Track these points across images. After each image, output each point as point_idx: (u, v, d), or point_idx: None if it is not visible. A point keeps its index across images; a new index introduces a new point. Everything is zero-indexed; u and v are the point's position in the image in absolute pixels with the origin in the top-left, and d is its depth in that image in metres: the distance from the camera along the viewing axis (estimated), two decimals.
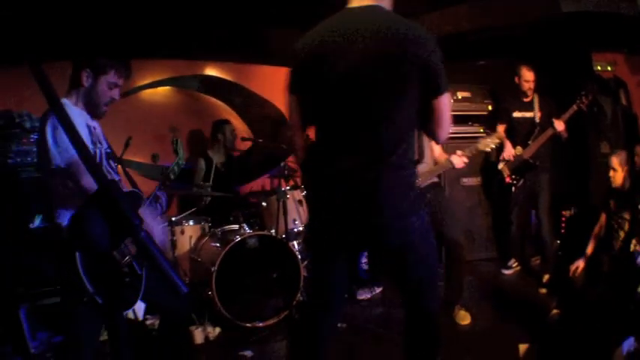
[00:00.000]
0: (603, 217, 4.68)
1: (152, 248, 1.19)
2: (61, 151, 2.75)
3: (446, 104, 2.48)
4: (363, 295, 5.63)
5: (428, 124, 2.55)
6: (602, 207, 4.72)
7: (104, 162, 3.09)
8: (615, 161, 4.52)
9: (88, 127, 3.00)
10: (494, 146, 4.86)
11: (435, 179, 5.07)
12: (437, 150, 5.16)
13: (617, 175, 4.51)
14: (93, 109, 3.06)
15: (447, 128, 2.56)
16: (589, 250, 4.64)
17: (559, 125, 5.52)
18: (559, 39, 6.37)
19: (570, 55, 6.64)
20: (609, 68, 6.48)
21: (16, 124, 4.66)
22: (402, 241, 2.54)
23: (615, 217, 4.45)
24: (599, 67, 6.47)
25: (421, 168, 4.92)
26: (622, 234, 4.29)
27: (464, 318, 4.81)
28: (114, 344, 3.26)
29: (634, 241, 3.97)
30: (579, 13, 5.30)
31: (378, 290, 5.73)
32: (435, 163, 5.08)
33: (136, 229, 1.20)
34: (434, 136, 2.64)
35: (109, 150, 3.19)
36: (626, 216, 4.32)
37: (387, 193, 2.44)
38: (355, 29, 2.40)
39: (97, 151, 3.05)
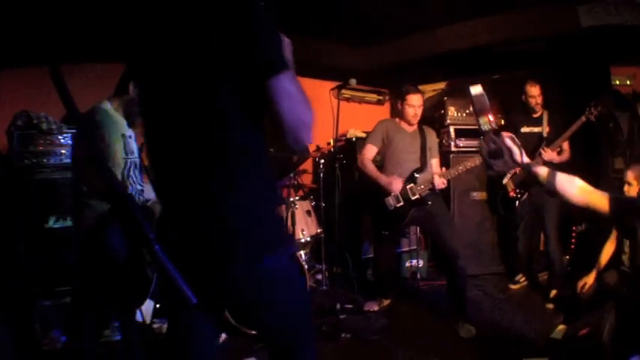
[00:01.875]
0: (615, 233, 4.64)
1: (165, 261, 1.26)
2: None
3: (285, 89, 1.83)
4: (370, 307, 5.65)
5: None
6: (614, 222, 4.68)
7: (131, 171, 3.17)
8: (631, 175, 4.44)
9: (123, 135, 3.09)
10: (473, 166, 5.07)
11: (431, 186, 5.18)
12: (435, 167, 5.42)
13: (632, 190, 4.43)
14: (129, 119, 3.16)
15: (300, 126, 1.85)
16: (599, 266, 4.62)
17: (546, 154, 5.57)
18: (577, 53, 6.33)
19: (588, 69, 6.57)
20: (628, 82, 6.42)
21: (33, 125, 4.76)
22: (254, 297, 1.91)
23: (628, 232, 4.39)
24: (617, 82, 6.41)
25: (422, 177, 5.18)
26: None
27: (468, 332, 4.81)
28: (126, 345, 3.37)
29: None
30: (598, 27, 5.26)
31: (386, 303, 5.76)
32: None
33: (150, 241, 1.27)
34: (282, 141, 1.92)
35: (137, 159, 3.27)
36: None
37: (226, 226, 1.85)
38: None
39: (127, 160, 3.13)
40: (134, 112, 3.12)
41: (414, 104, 5.25)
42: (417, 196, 5.12)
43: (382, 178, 5.25)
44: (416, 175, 5.18)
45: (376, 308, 5.66)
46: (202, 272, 1.80)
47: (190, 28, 1.80)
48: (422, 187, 5.13)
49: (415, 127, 5.41)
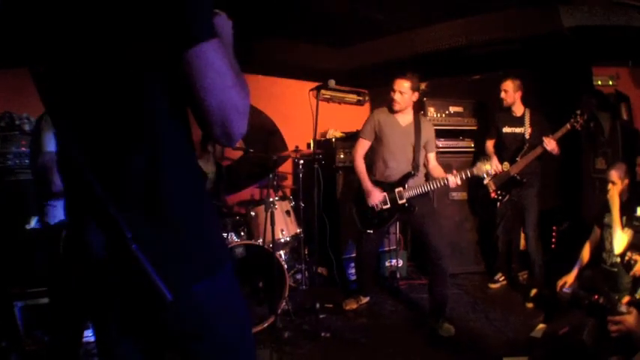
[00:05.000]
0: (597, 232, 4.70)
1: (142, 259, 1.26)
2: (47, 148, 2.84)
3: (208, 62, 1.41)
4: (349, 305, 5.67)
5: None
6: (597, 221, 4.73)
7: None
8: (615, 174, 4.52)
9: None
10: (487, 174, 4.93)
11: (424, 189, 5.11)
12: (432, 161, 5.30)
13: (616, 189, 4.50)
14: None
15: (226, 112, 1.44)
16: (580, 264, 4.68)
17: (549, 144, 5.44)
18: (559, 53, 6.35)
19: (570, 70, 6.63)
20: (610, 82, 6.46)
21: (16, 126, 4.75)
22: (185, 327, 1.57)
23: (610, 230, 4.45)
24: (599, 82, 6.46)
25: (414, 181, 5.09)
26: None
27: (448, 331, 4.84)
28: None
29: (629, 252, 3.98)
30: (580, 28, 5.25)
31: (365, 301, 5.79)
32: (426, 175, 5.23)
33: (128, 241, 1.26)
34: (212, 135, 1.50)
35: None
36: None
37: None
38: None
39: None
40: None
41: (396, 89, 5.09)
42: (403, 201, 5.08)
43: (366, 184, 5.22)
44: (408, 179, 5.10)
45: (355, 306, 5.68)
46: (127, 301, 1.51)
47: None
48: (411, 192, 5.06)
49: (410, 119, 5.22)
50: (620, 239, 4.16)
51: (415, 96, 5.13)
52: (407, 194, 5.07)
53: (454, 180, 4.92)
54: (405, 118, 5.21)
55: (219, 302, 1.57)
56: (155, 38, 1.33)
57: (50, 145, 2.86)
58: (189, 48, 1.32)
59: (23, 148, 4.74)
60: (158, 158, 1.41)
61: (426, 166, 5.30)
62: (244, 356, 1.74)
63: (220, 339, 1.61)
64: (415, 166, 5.13)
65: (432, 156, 5.32)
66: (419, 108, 7.07)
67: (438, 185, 5.06)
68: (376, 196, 5.13)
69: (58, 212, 3.02)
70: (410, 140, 5.15)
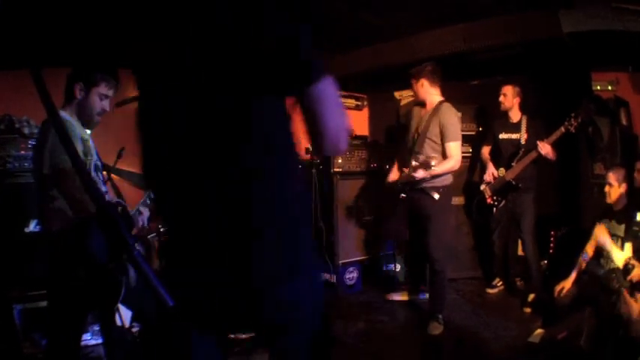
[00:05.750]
0: (594, 237, 4.63)
1: (143, 265, 1.26)
2: (53, 158, 2.84)
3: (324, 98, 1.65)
4: (393, 297, 6.11)
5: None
6: (594, 226, 4.69)
7: (92, 173, 3.17)
8: (612, 177, 4.52)
9: (82, 138, 3.10)
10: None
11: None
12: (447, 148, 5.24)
13: (613, 191, 4.51)
14: (86, 120, 3.18)
15: (336, 133, 1.71)
16: (577, 270, 4.65)
17: (544, 148, 5.41)
18: (557, 59, 6.33)
19: (569, 75, 6.60)
20: (610, 88, 6.43)
21: (15, 129, 4.77)
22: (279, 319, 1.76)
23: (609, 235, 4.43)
24: (598, 87, 6.43)
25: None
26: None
27: (433, 329, 4.94)
28: (108, 348, 3.38)
29: (627, 257, 3.98)
30: (579, 33, 5.22)
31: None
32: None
33: (130, 247, 1.27)
34: (317, 148, 1.76)
35: (98, 162, 3.28)
36: (620, 233, 4.31)
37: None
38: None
39: (88, 162, 3.14)
40: (88, 114, 3.16)
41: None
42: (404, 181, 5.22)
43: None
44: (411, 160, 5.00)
45: (398, 298, 6.01)
46: (224, 291, 1.64)
47: (219, 25, 1.54)
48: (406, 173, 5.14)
49: (429, 108, 5.29)
50: (621, 256, 4.13)
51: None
52: (404, 175, 5.30)
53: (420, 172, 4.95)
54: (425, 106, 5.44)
55: (313, 295, 1.80)
56: (279, 77, 1.54)
57: (55, 158, 2.87)
58: (313, 84, 1.56)
59: (23, 151, 4.75)
60: (271, 160, 1.65)
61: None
62: (320, 349, 1.91)
63: (303, 333, 1.81)
64: (419, 148, 5.27)
65: (447, 146, 5.19)
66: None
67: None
68: (391, 175, 5.52)
69: (59, 218, 3.02)
70: (428, 125, 5.26)
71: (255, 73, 1.52)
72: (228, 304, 1.65)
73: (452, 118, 5.14)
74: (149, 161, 1.85)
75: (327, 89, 1.61)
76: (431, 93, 5.22)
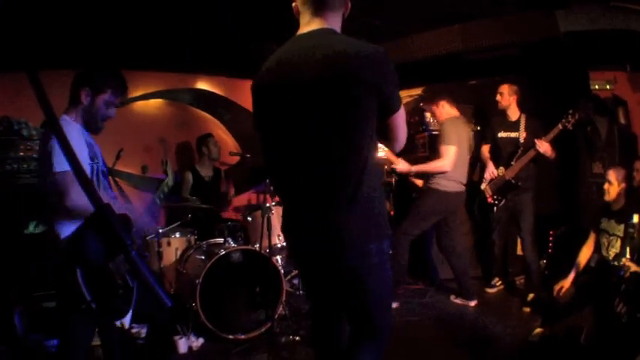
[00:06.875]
0: (593, 236, 4.69)
1: (141, 266, 1.27)
2: (59, 162, 2.83)
3: (399, 121, 2.43)
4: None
5: (385, 138, 2.51)
6: (593, 226, 4.71)
7: (100, 178, 3.16)
8: (612, 175, 4.50)
9: (87, 143, 3.08)
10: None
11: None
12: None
13: (612, 189, 4.49)
14: (91, 126, 3.15)
15: (403, 140, 2.54)
16: (577, 268, 4.63)
17: (542, 145, 5.39)
18: (555, 58, 6.33)
19: (567, 75, 6.60)
20: (608, 87, 6.44)
21: (14, 131, 4.76)
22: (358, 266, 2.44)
23: (606, 235, 4.46)
24: (596, 86, 6.44)
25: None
26: (612, 251, 4.30)
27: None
28: (106, 349, 3.37)
29: (624, 259, 3.97)
30: (577, 33, 5.24)
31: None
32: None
33: (127, 248, 1.28)
34: (391, 148, 2.67)
35: (104, 168, 3.26)
36: (618, 232, 4.31)
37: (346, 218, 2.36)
38: (305, 56, 2.31)
39: (95, 167, 3.12)
40: (92, 120, 3.13)
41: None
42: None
43: None
44: None
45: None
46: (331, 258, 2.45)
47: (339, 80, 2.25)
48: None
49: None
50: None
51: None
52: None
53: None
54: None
55: (380, 261, 2.46)
56: (373, 108, 2.30)
57: (62, 165, 2.84)
58: (394, 113, 2.38)
59: (21, 153, 4.75)
60: (365, 168, 2.34)
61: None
62: (386, 308, 2.76)
63: (376, 291, 2.53)
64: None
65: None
66: (416, 113, 7.11)
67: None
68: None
69: (69, 224, 2.99)
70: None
71: (364, 103, 2.27)
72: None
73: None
74: (273, 161, 2.59)
75: (401, 116, 2.44)
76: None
